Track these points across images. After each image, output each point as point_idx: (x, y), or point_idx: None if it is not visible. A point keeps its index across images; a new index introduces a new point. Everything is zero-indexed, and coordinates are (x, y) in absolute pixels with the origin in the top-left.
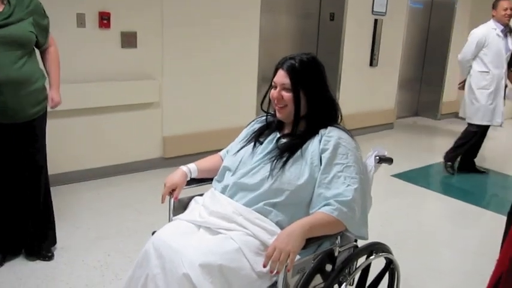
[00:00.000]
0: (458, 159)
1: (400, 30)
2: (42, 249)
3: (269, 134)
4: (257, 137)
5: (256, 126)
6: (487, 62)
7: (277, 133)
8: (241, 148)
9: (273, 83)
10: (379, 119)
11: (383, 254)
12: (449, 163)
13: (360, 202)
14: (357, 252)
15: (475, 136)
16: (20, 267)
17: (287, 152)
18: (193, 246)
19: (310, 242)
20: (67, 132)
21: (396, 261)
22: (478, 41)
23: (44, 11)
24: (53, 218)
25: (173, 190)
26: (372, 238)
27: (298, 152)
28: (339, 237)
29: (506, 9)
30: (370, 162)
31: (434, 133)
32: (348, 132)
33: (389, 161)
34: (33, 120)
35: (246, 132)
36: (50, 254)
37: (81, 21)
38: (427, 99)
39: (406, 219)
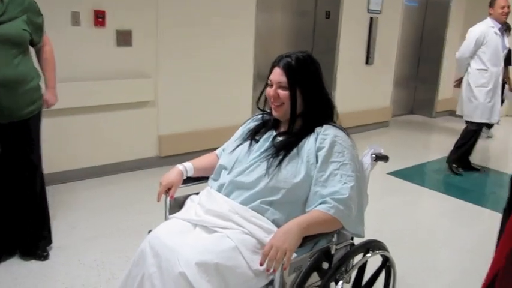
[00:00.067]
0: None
1: (396, 29)
2: (37, 249)
3: (265, 132)
4: (253, 135)
5: (252, 124)
6: (485, 60)
7: (273, 131)
8: (237, 146)
9: (269, 81)
10: (375, 117)
11: (379, 251)
12: (455, 165)
13: (356, 200)
14: (354, 250)
15: (475, 134)
16: (16, 267)
17: (283, 150)
18: (190, 244)
19: (306, 240)
20: (63, 131)
21: (392, 258)
22: (477, 39)
23: (38, 9)
24: (49, 217)
25: (169, 189)
26: (368, 236)
27: (294, 150)
28: (335, 235)
29: (503, 8)
30: (366, 160)
31: (430, 131)
32: (344, 130)
33: (385, 158)
34: (29, 119)
35: (242, 131)
36: (45, 254)
37: (75, 19)
38: (423, 97)
39: (402, 217)
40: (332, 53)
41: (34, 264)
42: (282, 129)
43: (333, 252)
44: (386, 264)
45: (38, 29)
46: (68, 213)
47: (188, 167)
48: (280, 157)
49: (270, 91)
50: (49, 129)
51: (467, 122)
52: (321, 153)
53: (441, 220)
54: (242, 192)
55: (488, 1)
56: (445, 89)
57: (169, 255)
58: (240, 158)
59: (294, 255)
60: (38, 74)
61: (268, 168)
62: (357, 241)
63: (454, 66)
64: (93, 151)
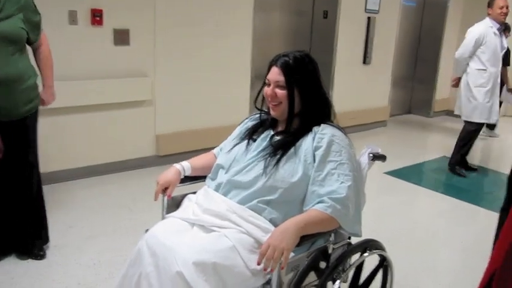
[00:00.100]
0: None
1: (393, 28)
2: (34, 248)
3: (262, 132)
4: (250, 135)
5: (250, 124)
6: (485, 60)
7: (271, 131)
8: (235, 146)
9: (266, 81)
10: (373, 117)
11: (376, 251)
12: (457, 166)
13: (353, 199)
14: (351, 249)
15: (475, 134)
16: (12, 267)
17: (281, 149)
18: (187, 244)
19: (304, 239)
20: (60, 130)
21: (390, 258)
22: (476, 39)
23: (35, 7)
24: (45, 216)
25: (166, 188)
26: (366, 235)
27: (292, 150)
28: (332, 235)
29: (502, 8)
30: (364, 159)
31: (427, 130)
32: (341, 129)
33: (382, 158)
34: (26, 118)
35: (239, 130)
36: (42, 253)
37: (73, 18)
38: (420, 97)
39: (400, 216)
40: (330, 52)
41: (31, 264)
42: (280, 128)
43: (330, 251)
44: (384, 264)
45: (35, 27)
46: (65, 213)
47: (186, 166)
48: (278, 156)
49: (267, 90)
50: (46, 128)
51: (466, 122)
52: (319, 153)
53: (438, 219)
54: (239, 191)
55: (486, 1)
56: (442, 89)
57: (167, 255)
58: (237, 157)
59: (292, 254)
60: (34, 73)
61: (265, 167)
62: (354, 240)
63: (452, 66)
64: (91, 150)
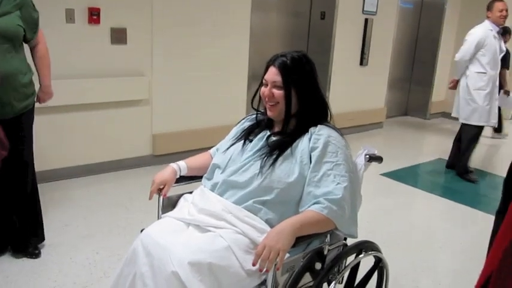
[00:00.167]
0: (447, 157)
1: (391, 30)
2: (29, 247)
3: (259, 132)
4: (247, 135)
5: (247, 124)
6: (484, 63)
7: (267, 131)
8: (231, 146)
9: (263, 81)
10: (369, 118)
11: (372, 252)
12: (465, 174)
13: (349, 200)
14: (346, 250)
15: (478, 136)
16: (7, 265)
17: (277, 149)
18: (182, 243)
19: (299, 240)
20: (56, 128)
21: (385, 259)
22: (477, 41)
23: (33, 5)
24: (41, 215)
25: (162, 188)
26: (361, 237)
27: (288, 150)
28: (328, 236)
29: (501, 11)
30: (360, 160)
31: (424, 132)
32: (338, 130)
33: (379, 159)
34: (21, 116)
35: (236, 131)
36: (37, 252)
37: (70, 16)
38: (417, 99)
39: (396, 218)
40: (327, 53)
41: (26, 262)
42: (276, 129)
43: (325, 252)
44: (379, 265)
45: (33, 24)
46: (61, 211)
47: (182, 166)
48: (274, 156)
49: (264, 91)
50: (42, 127)
51: (465, 125)
52: (315, 154)
53: (434, 221)
54: (235, 191)
55: (483, 4)
56: (439, 91)
57: (162, 254)
58: (233, 157)
59: (287, 255)
60: (30, 70)
61: (261, 167)
62: (350, 242)
63: (449, 68)
64: (87, 149)
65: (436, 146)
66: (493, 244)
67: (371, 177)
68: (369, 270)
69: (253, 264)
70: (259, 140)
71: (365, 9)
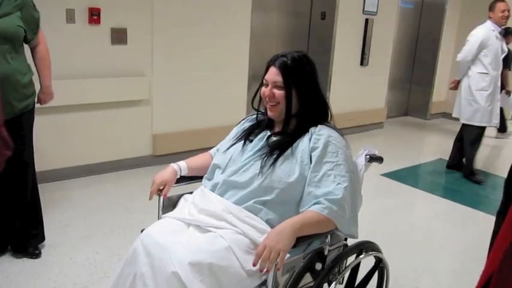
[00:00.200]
0: (448, 157)
1: (391, 30)
2: (29, 247)
3: (259, 133)
4: (247, 136)
5: (247, 124)
6: (487, 64)
7: (268, 131)
8: (231, 146)
9: (264, 81)
10: (369, 119)
11: (372, 252)
12: (472, 176)
13: (349, 201)
14: (347, 251)
15: (480, 137)
16: (7, 265)
17: (277, 149)
18: (183, 244)
19: (300, 240)
20: (56, 128)
21: (386, 260)
22: (480, 42)
23: (34, 5)
24: (41, 215)
25: (161, 189)
26: (362, 237)
27: (289, 150)
28: (329, 236)
29: (503, 11)
30: (361, 161)
31: (424, 132)
32: (338, 130)
33: (379, 160)
34: (21, 116)
35: (236, 131)
36: (37, 252)
37: (70, 16)
38: (417, 99)
39: (396, 218)
40: (327, 53)
41: (26, 262)
42: (277, 129)
43: (326, 253)
44: (380, 266)
45: (33, 24)
46: (61, 211)
47: (182, 166)
48: (275, 156)
49: (265, 91)
50: (43, 127)
51: (466, 126)
52: (315, 154)
53: (434, 222)
54: (236, 191)
55: (483, 4)
56: (439, 91)
57: (162, 255)
58: (233, 157)
59: (288, 255)
60: (30, 70)
61: (262, 167)
62: (350, 242)
63: (449, 68)
64: (87, 149)
65: (437, 147)
66: (493, 245)
67: (371, 177)
68: (370, 271)
69: (254, 265)
70: (259, 140)
71: (365, 9)
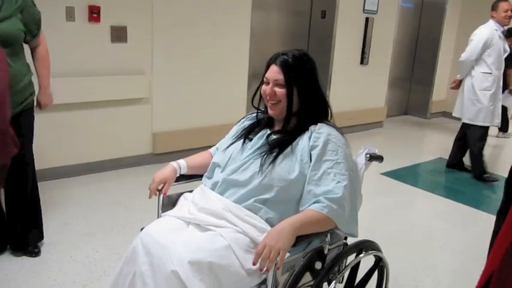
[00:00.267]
0: (448, 157)
1: (391, 29)
2: (28, 245)
3: (259, 131)
4: (247, 134)
5: (247, 123)
6: (490, 63)
7: (268, 130)
8: (231, 144)
9: (264, 79)
10: (369, 118)
11: (372, 252)
12: (484, 175)
13: (349, 199)
14: (347, 250)
15: (485, 136)
16: (7, 263)
17: (277, 147)
18: (182, 242)
19: (300, 239)
20: (56, 126)
21: (385, 259)
22: (485, 41)
23: (34, 4)
24: (40, 213)
25: (161, 188)
26: (361, 236)
27: (289, 149)
28: (328, 235)
29: (506, 11)
30: (361, 160)
31: (424, 132)
32: (338, 129)
33: (379, 158)
34: (20, 116)
35: (236, 130)
36: (36, 250)
37: (70, 14)
38: (417, 98)
39: (396, 217)
40: (327, 52)
41: (25, 261)
42: (277, 127)
43: (326, 252)
44: (379, 265)
45: (34, 24)
46: (61, 210)
47: (182, 165)
48: (274, 154)
49: (266, 89)
50: (42, 125)
51: (469, 125)
52: (315, 152)
53: (434, 221)
54: (236, 190)
55: (483, 4)
56: (439, 90)
57: (162, 253)
58: (233, 155)
59: (287, 254)
60: (29, 70)
61: (261, 165)
62: (350, 241)
63: (449, 67)
64: (87, 147)
65: (437, 146)
66: (494, 244)
67: (371, 176)
68: (369, 270)
69: (254, 264)
70: (259, 139)
71: (366, 8)
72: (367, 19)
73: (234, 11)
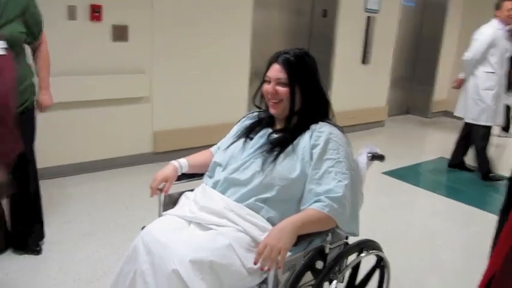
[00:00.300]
0: (449, 156)
1: (393, 28)
2: (29, 244)
3: (260, 130)
4: (248, 133)
5: (248, 122)
6: (493, 63)
7: (269, 129)
8: (232, 144)
9: (266, 78)
10: (371, 117)
11: (373, 251)
12: (490, 174)
13: (350, 198)
14: (348, 249)
15: (488, 135)
16: (7, 262)
17: (278, 146)
18: (184, 241)
19: (301, 238)
20: (56, 125)
21: (386, 258)
22: (490, 40)
23: (36, 5)
24: (42, 212)
25: (161, 188)
26: (363, 235)
27: (290, 147)
28: (329, 234)
29: (510, 10)
30: (362, 159)
31: (426, 131)
32: (339, 127)
33: (381, 158)
34: (21, 115)
35: (237, 129)
36: (38, 249)
37: (72, 13)
38: (419, 98)
39: (397, 216)
40: (329, 52)
41: (26, 259)
42: (278, 126)
43: (327, 251)
44: (380, 264)
45: (36, 27)
46: (62, 209)
47: (183, 164)
48: (276, 153)
49: (268, 88)
50: (42, 124)
51: (472, 125)
52: (316, 151)
53: (435, 220)
54: (237, 189)
55: (485, 3)
56: (441, 90)
57: (163, 252)
58: (234, 154)
59: (288, 254)
60: (30, 71)
61: (263, 164)
62: (351, 240)
63: (451, 67)
64: (87, 146)
65: (438, 145)
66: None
67: (373, 175)
68: (370, 269)
69: (255, 263)
70: (260, 138)
71: (367, 7)
72: (368, 18)
73: (234, 10)
